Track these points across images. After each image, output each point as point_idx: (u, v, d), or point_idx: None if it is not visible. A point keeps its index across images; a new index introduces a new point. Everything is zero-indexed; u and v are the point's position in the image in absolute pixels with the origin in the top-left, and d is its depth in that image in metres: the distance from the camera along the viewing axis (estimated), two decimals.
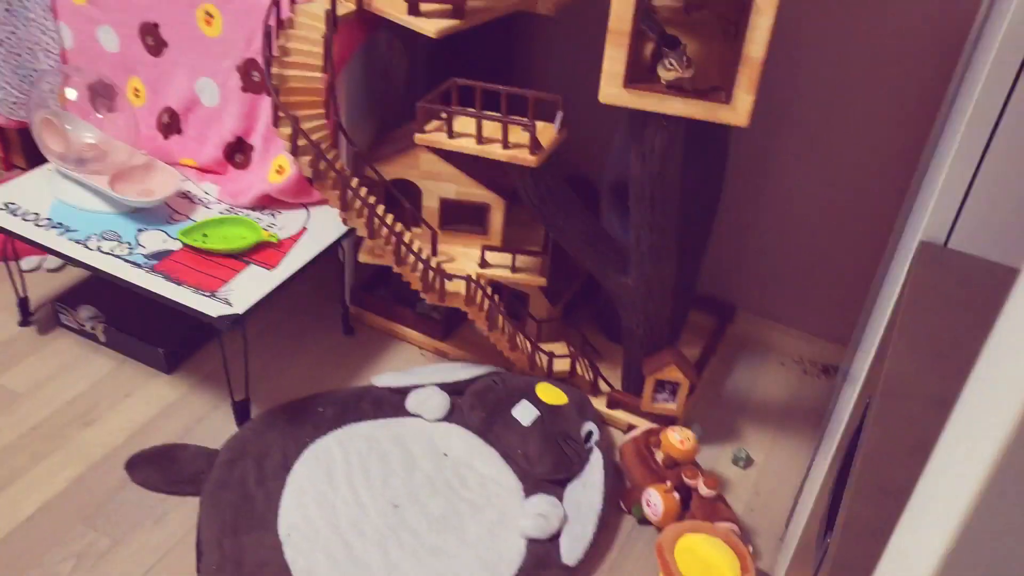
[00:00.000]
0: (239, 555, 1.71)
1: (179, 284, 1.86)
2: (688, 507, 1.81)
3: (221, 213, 2.08)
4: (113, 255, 1.92)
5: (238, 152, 2.17)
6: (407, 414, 2.06)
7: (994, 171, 0.82)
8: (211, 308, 1.81)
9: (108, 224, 2.01)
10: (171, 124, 2.20)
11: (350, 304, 2.31)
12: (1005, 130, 0.81)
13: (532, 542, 1.77)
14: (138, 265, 1.90)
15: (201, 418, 2.02)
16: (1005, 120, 0.81)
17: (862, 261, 2.16)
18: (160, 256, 1.94)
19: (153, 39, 2.13)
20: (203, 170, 2.21)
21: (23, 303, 2.21)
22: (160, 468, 1.88)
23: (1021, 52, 0.82)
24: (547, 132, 1.77)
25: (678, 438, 1.85)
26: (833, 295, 2.26)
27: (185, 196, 2.12)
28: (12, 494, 1.80)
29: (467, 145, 1.76)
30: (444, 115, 1.79)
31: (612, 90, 1.47)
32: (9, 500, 1.78)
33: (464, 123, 1.81)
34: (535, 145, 1.71)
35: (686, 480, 1.80)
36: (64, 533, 1.73)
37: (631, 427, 2.04)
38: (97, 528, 1.75)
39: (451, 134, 1.77)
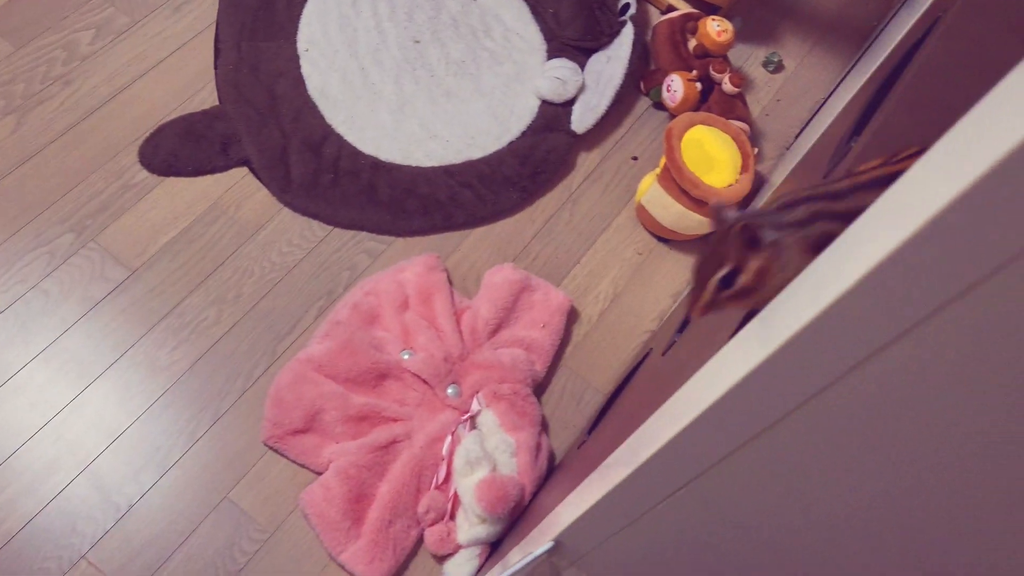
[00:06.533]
0: (256, 60, 1.71)
1: None
2: (707, 100, 1.79)
3: None
4: None
5: None
6: None
7: None
8: None
9: None
10: None
11: None
12: None
13: (545, 103, 1.78)
14: None
15: None
16: None
17: None
18: None
19: None
20: None
21: None
22: None
23: None
24: None
25: (717, 28, 1.77)
26: None
27: None
28: None
29: None
30: None
31: None
32: None
33: None
34: None
35: (712, 73, 1.77)
36: (83, 2, 1.70)
37: (671, 8, 1.95)
38: (116, 4, 1.72)
39: None
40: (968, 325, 0.34)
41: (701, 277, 0.62)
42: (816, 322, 0.39)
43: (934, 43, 0.59)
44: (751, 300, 0.60)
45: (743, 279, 0.59)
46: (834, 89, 1.76)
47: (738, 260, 0.59)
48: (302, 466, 1.37)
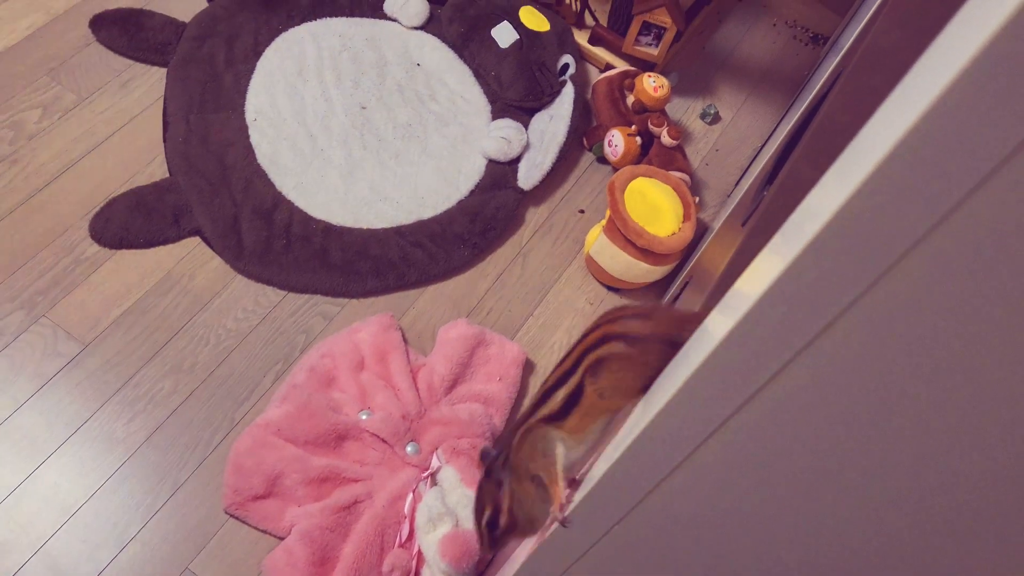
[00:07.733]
0: (205, 131, 1.74)
1: None
2: (647, 153, 1.86)
3: None
4: None
5: None
6: (384, 16, 1.99)
7: None
8: None
9: None
10: None
11: None
12: None
13: (492, 163, 1.83)
14: None
15: None
16: None
17: None
18: None
19: None
20: None
21: None
22: (126, 31, 1.83)
23: None
24: None
25: (653, 84, 1.84)
26: None
27: None
28: None
29: None
30: None
31: None
32: None
33: None
34: None
35: (651, 127, 1.83)
36: (29, 82, 1.72)
37: (609, 66, 2.02)
38: (62, 83, 1.74)
39: None
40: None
41: (476, 525, 0.66)
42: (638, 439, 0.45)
43: (835, 96, 0.64)
44: (523, 529, 0.64)
45: (503, 518, 0.62)
46: (769, 136, 1.83)
47: (492, 502, 0.63)
48: (264, 532, 1.36)
